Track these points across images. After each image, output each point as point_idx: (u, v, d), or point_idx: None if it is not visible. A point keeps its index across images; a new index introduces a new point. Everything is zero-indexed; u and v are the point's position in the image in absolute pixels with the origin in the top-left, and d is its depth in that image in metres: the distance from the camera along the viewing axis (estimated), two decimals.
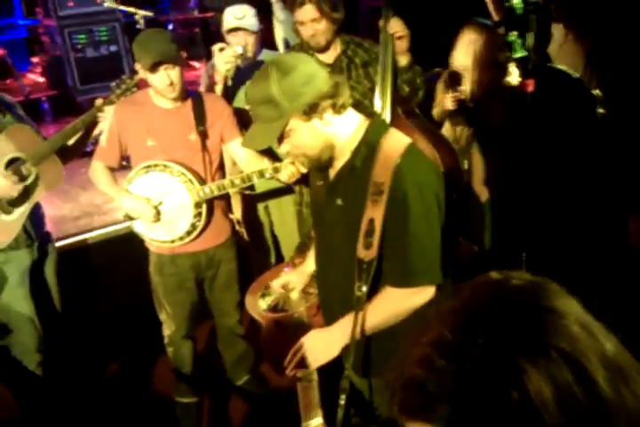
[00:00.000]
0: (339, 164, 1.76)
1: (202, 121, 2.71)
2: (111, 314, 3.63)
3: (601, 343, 0.70)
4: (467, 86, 3.04)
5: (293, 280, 2.18)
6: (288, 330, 2.06)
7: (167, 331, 2.99)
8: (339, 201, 1.77)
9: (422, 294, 1.71)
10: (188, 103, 2.74)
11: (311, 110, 1.63)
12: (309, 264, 2.15)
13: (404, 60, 2.76)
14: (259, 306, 2.24)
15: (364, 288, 1.68)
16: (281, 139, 1.70)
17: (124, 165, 2.88)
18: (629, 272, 2.42)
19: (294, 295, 2.17)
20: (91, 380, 3.35)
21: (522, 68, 2.11)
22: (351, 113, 1.73)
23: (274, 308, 2.21)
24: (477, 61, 2.97)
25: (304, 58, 1.73)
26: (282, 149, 1.77)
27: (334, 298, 1.92)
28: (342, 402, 1.74)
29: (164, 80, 2.56)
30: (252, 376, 3.26)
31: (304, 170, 2.52)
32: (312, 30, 2.80)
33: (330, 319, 1.91)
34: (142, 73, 2.60)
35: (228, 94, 3.16)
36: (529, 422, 0.64)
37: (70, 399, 3.09)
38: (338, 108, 1.66)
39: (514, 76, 2.19)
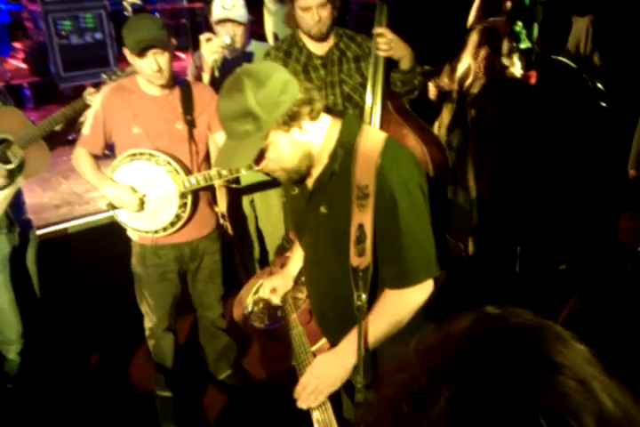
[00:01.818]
0: (316, 171, 1.70)
1: (189, 110, 2.67)
2: (91, 304, 3.57)
3: (601, 402, 0.60)
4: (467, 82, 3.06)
5: (278, 285, 2.12)
6: (284, 341, 1.99)
7: (149, 323, 2.94)
8: (323, 209, 1.71)
9: (423, 290, 1.68)
10: (176, 92, 2.69)
11: (290, 119, 1.56)
12: (292, 267, 2.10)
13: (405, 64, 2.73)
14: (248, 318, 2.18)
15: (364, 296, 1.62)
16: (260, 155, 1.61)
17: (106, 154, 2.83)
18: (617, 270, 2.43)
19: (283, 302, 2.11)
20: (71, 369, 3.29)
21: (525, 60, 2.10)
22: (323, 117, 1.67)
23: (263, 318, 2.16)
24: (478, 63, 2.98)
25: (275, 65, 1.67)
26: (259, 167, 1.70)
27: (328, 308, 1.88)
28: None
29: (152, 65, 2.51)
30: (233, 370, 3.23)
31: None
32: (317, 16, 2.75)
33: (326, 330, 1.87)
34: (130, 58, 2.54)
35: (216, 85, 3.14)
36: None
37: (50, 389, 3.04)
38: (314, 114, 1.61)
39: (517, 68, 2.18)
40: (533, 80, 2.08)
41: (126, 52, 2.56)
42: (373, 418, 0.65)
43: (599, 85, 2.41)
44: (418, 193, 1.65)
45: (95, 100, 2.66)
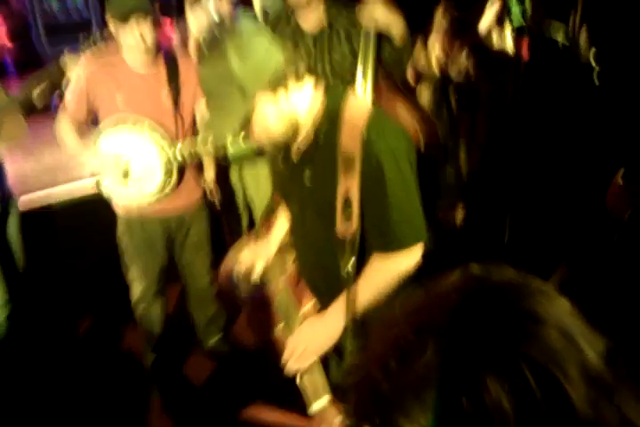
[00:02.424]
0: (302, 140, 1.67)
1: (175, 83, 2.62)
2: (77, 272, 3.54)
3: (584, 354, 0.62)
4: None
5: (263, 251, 2.10)
6: (270, 309, 1.99)
7: (136, 289, 2.92)
8: (307, 181, 1.70)
9: (412, 255, 1.67)
10: (162, 69, 2.63)
11: (275, 86, 1.53)
12: (277, 232, 2.08)
13: (398, 41, 2.68)
14: (234, 287, 2.17)
15: (353, 259, 1.62)
16: (246, 123, 1.58)
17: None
18: (604, 239, 2.44)
19: (267, 268, 2.09)
20: (59, 338, 3.29)
21: (517, 36, 2.06)
22: (308, 86, 1.63)
23: (248, 287, 2.13)
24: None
25: (257, 31, 1.62)
26: (245, 135, 1.66)
27: (318, 278, 1.87)
28: None
29: (135, 35, 2.44)
30: (223, 335, 3.23)
31: None
32: None
33: (320, 299, 1.87)
34: (113, 27, 2.47)
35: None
36: None
37: (38, 361, 3.04)
38: (299, 83, 1.58)
39: (509, 44, 2.14)
40: (525, 55, 2.05)
41: (110, 22, 2.48)
42: (361, 375, 0.65)
43: (592, 62, 2.39)
44: (405, 162, 1.62)
45: (77, 68, 2.58)
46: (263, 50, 1.52)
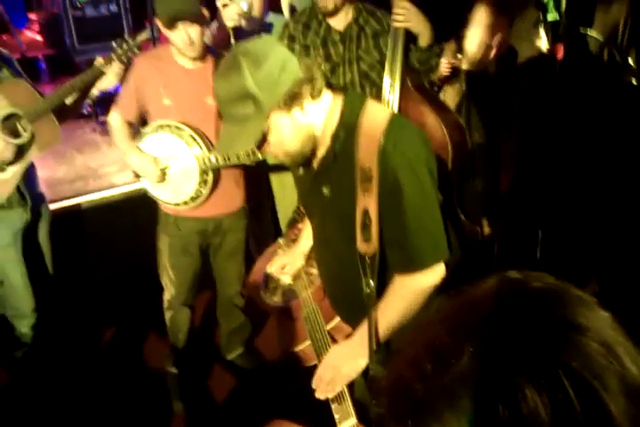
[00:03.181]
0: (320, 152, 1.64)
1: None
2: (105, 279, 3.57)
3: (625, 367, 0.60)
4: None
5: (288, 262, 2.08)
6: (298, 319, 1.96)
7: (167, 295, 2.95)
8: (325, 191, 1.66)
9: (433, 274, 1.62)
10: (210, 64, 2.65)
11: (291, 100, 1.50)
12: (303, 242, 2.06)
13: (424, 41, 2.66)
14: (262, 296, 2.16)
15: (372, 283, 1.59)
16: (262, 138, 1.56)
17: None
18: (636, 255, 2.37)
19: (294, 278, 2.08)
20: (84, 345, 3.31)
21: (552, 33, 2.00)
22: (325, 96, 1.59)
23: (276, 296, 2.12)
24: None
25: (273, 42, 1.61)
26: (262, 151, 1.66)
27: (337, 290, 1.85)
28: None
29: (183, 38, 2.47)
30: (245, 350, 3.24)
31: None
32: None
33: (336, 310, 1.85)
34: (162, 28, 2.52)
35: None
36: None
37: (62, 365, 3.05)
38: (316, 93, 1.54)
39: (543, 42, 2.09)
40: (560, 54, 1.99)
41: (157, 21, 2.52)
42: (394, 377, 0.64)
43: (630, 61, 2.30)
44: (424, 174, 1.57)
45: (108, 72, 2.62)
46: (280, 62, 1.49)
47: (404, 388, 0.62)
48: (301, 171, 1.75)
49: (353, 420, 1.58)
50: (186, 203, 2.68)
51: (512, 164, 2.94)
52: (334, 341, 1.80)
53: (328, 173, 1.64)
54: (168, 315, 3.00)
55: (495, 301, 0.64)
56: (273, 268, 2.10)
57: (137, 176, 2.71)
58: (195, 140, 2.59)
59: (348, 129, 1.57)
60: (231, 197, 2.82)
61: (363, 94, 1.75)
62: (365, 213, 1.54)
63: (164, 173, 2.64)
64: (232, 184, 2.79)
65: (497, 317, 0.62)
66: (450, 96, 3.11)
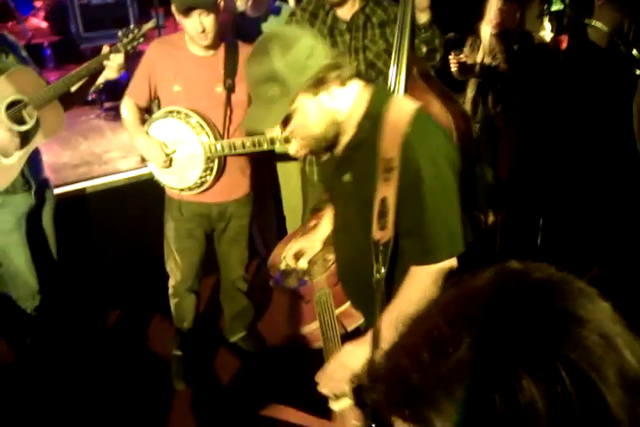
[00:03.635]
0: (344, 139, 1.66)
1: (231, 73, 2.64)
2: (109, 264, 3.59)
3: (624, 358, 0.60)
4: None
5: (306, 247, 2.10)
6: (310, 302, 1.98)
7: (172, 281, 2.99)
8: (347, 178, 1.68)
9: (448, 266, 1.62)
10: (221, 53, 2.66)
11: (318, 84, 1.53)
12: (322, 229, 2.07)
13: (423, 18, 2.67)
14: (279, 278, 2.17)
15: (383, 270, 1.59)
16: (286, 120, 1.58)
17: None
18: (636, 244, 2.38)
19: (310, 263, 2.10)
20: (88, 328, 3.34)
21: (556, 23, 2.00)
22: (353, 84, 1.62)
23: (293, 279, 2.13)
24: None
25: (301, 29, 1.65)
26: (285, 132, 1.66)
27: (349, 274, 1.87)
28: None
29: (197, 27, 2.48)
30: (248, 333, 3.27)
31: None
32: None
33: (347, 294, 1.87)
34: (177, 16, 2.53)
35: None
36: None
37: (66, 348, 3.08)
38: (343, 80, 1.57)
39: (547, 32, 2.09)
40: (564, 45, 1.99)
41: (173, 9, 2.53)
42: (392, 366, 0.65)
43: (634, 51, 2.29)
44: (446, 168, 1.58)
45: (113, 61, 2.61)
46: (308, 47, 1.52)
47: (401, 377, 0.62)
48: (325, 157, 1.78)
49: (348, 400, 1.59)
50: (190, 189, 2.71)
51: (511, 152, 2.94)
52: (342, 325, 1.82)
53: (351, 161, 1.67)
54: (173, 302, 3.02)
55: (495, 291, 0.64)
56: (290, 251, 2.13)
57: (143, 160, 2.75)
58: (202, 127, 2.60)
59: (373, 119, 1.59)
60: (237, 185, 2.84)
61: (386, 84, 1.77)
62: (383, 201, 1.55)
63: (170, 159, 2.66)
64: (238, 172, 2.81)
65: (496, 307, 0.62)
66: (470, 89, 3.14)
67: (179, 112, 2.62)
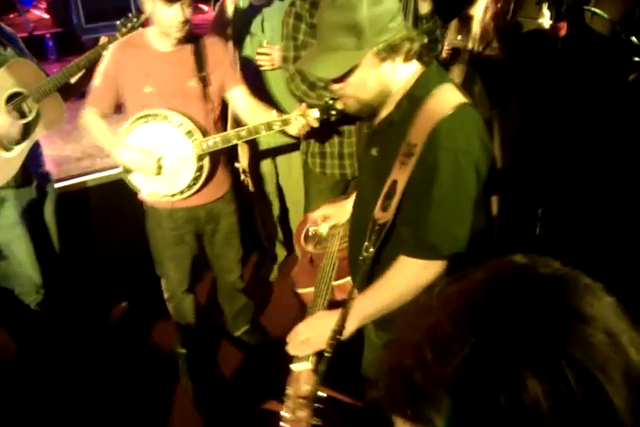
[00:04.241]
0: (383, 113, 1.65)
1: (202, 66, 2.55)
2: (111, 257, 3.59)
3: (629, 356, 0.59)
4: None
5: (332, 214, 2.12)
6: (317, 267, 2.01)
7: (167, 285, 2.94)
8: (374, 152, 1.69)
9: (432, 269, 1.58)
10: (188, 47, 2.56)
11: (390, 50, 1.51)
12: (352, 199, 2.04)
13: (425, 8, 2.64)
14: (304, 238, 2.21)
15: (371, 249, 1.58)
16: (345, 75, 1.54)
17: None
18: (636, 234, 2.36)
19: (330, 231, 2.12)
20: (91, 323, 3.34)
21: (555, 10, 1.97)
22: (414, 62, 1.60)
23: (313, 242, 2.18)
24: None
25: None
26: (335, 86, 1.62)
27: (353, 248, 1.85)
28: (327, 354, 1.61)
29: (178, 16, 2.38)
30: (251, 326, 3.26)
31: (315, 124, 2.42)
32: None
33: (349, 267, 1.88)
34: (150, 5, 2.39)
35: (236, 29, 3.14)
36: None
37: (69, 343, 3.08)
38: (410, 55, 1.55)
39: (545, 19, 2.06)
40: (563, 32, 1.96)
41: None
42: (395, 362, 0.64)
43: (633, 39, 2.25)
44: (467, 171, 1.52)
45: (105, 56, 2.57)
46: (393, 11, 1.50)
47: (403, 375, 0.62)
48: (366, 129, 1.79)
49: (307, 364, 1.60)
50: (182, 192, 2.57)
51: (509, 140, 2.91)
52: (333, 296, 1.84)
53: (381, 136, 1.67)
54: (171, 305, 2.99)
55: (500, 288, 0.63)
56: (316, 214, 2.15)
57: (126, 172, 2.57)
58: (186, 125, 2.48)
59: (413, 101, 1.57)
60: (219, 183, 2.75)
61: (447, 75, 1.71)
62: (394, 184, 1.55)
63: (159, 165, 2.51)
64: (219, 169, 2.72)
65: (501, 305, 0.61)
66: (455, 76, 3.10)
67: (156, 115, 2.47)
